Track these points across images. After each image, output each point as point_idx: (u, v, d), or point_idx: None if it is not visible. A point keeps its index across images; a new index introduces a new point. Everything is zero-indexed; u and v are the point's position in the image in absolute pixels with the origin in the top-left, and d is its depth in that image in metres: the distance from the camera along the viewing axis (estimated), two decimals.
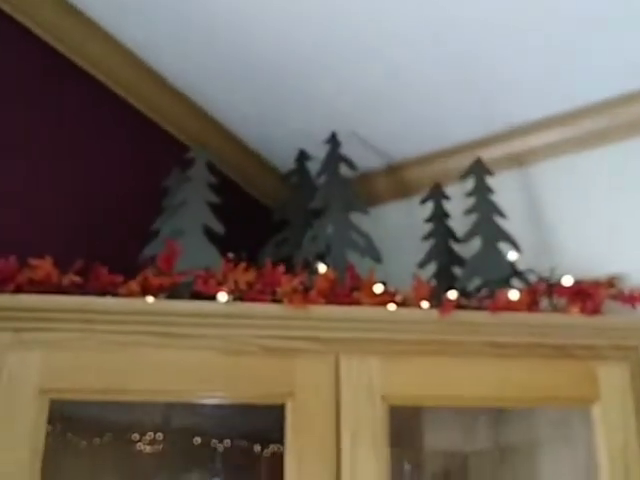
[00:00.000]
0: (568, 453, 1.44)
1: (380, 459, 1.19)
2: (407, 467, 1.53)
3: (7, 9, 1.38)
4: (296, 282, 1.23)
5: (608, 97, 1.64)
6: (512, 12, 1.41)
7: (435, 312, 1.28)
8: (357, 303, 1.30)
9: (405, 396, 1.25)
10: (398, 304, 1.33)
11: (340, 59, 1.58)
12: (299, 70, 1.63)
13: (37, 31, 1.43)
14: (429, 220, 1.70)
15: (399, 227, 1.93)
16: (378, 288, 1.37)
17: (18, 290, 1.15)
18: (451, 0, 1.39)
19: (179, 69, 1.64)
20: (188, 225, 1.40)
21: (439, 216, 1.71)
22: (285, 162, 1.90)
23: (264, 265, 1.47)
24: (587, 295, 1.40)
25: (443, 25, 1.46)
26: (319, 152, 1.76)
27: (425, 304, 1.33)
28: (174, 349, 1.20)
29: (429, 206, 1.75)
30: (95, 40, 1.51)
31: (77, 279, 1.19)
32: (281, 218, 1.80)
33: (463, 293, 1.44)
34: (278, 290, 1.23)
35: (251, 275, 1.24)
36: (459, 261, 1.65)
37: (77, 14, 1.47)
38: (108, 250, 1.45)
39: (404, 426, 1.45)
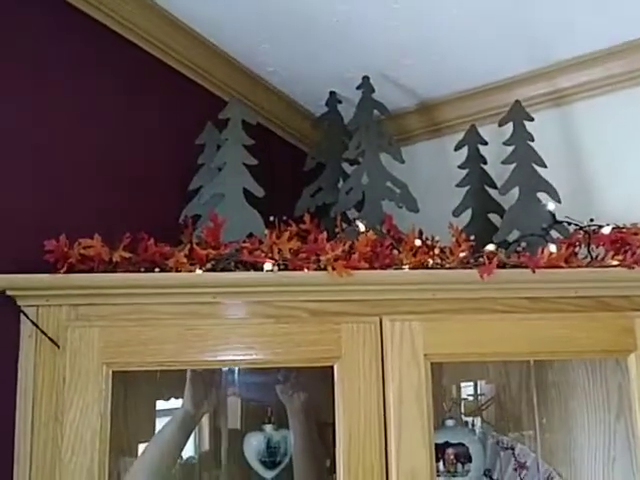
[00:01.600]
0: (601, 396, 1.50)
1: (424, 415, 1.25)
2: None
3: None
4: (338, 250, 1.25)
5: None
6: None
7: (475, 272, 1.30)
8: (398, 263, 1.33)
9: (447, 354, 1.30)
10: (437, 259, 1.35)
11: (368, 5, 1.52)
12: (330, 15, 1.57)
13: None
14: (464, 165, 1.69)
15: (433, 167, 1.92)
16: (417, 242, 1.40)
17: (71, 269, 1.19)
18: None
19: (209, 20, 1.59)
20: (228, 189, 1.41)
21: (475, 161, 1.68)
22: (319, 106, 1.87)
23: (302, 216, 1.51)
24: (626, 244, 1.41)
25: None
26: (352, 94, 1.73)
27: (463, 254, 1.36)
28: (222, 318, 1.25)
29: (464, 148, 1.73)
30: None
31: (126, 255, 1.22)
32: (314, 165, 1.80)
33: (501, 244, 1.46)
34: (322, 258, 1.25)
35: (295, 244, 1.26)
36: (496, 207, 1.64)
37: None
38: (148, 210, 1.49)
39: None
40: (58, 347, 1.18)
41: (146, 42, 1.56)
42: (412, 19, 1.57)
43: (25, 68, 1.32)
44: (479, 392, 1.71)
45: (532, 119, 1.57)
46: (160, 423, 1.44)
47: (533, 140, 1.54)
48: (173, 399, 1.49)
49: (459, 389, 1.73)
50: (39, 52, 1.34)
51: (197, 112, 1.65)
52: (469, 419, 1.69)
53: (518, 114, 1.57)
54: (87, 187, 1.40)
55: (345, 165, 1.77)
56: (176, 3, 1.53)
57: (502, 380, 1.68)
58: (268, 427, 1.54)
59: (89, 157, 1.42)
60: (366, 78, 1.70)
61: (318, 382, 1.27)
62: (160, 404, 1.49)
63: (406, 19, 1.57)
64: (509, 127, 1.57)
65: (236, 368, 1.49)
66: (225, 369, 1.48)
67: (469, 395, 1.73)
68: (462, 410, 1.71)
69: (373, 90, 1.68)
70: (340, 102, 1.83)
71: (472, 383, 1.71)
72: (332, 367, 1.24)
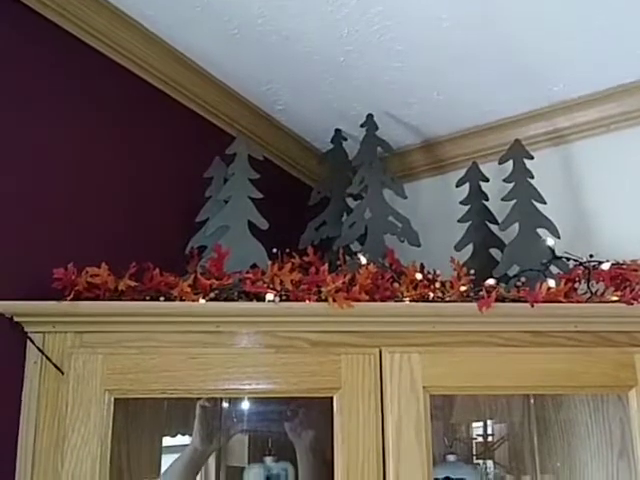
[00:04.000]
0: (603, 433, 1.50)
1: (423, 447, 1.25)
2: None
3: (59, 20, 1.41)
4: (339, 282, 1.27)
5: None
6: None
7: (474, 305, 1.32)
8: (398, 296, 1.35)
9: (446, 387, 1.31)
10: (437, 293, 1.37)
11: (376, 43, 1.57)
12: (336, 55, 1.63)
13: (83, 35, 1.46)
14: (466, 201, 1.72)
15: (436, 202, 1.95)
16: (418, 275, 1.43)
17: (77, 296, 1.22)
18: None
19: (218, 59, 1.65)
20: (233, 221, 1.44)
21: (476, 197, 1.72)
22: (324, 142, 1.92)
23: (305, 249, 1.54)
24: (625, 280, 1.43)
25: (483, 5, 1.43)
26: (357, 131, 1.78)
27: (464, 287, 1.38)
28: (225, 347, 1.27)
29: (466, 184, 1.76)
30: (136, 36, 1.53)
31: (132, 283, 1.25)
32: (319, 200, 1.83)
33: (501, 279, 1.48)
34: (323, 289, 1.28)
35: (296, 275, 1.29)
36: (497, 242, 1.67)
37: (123, 15, 1.50)
38: (156, 240, 1.52)
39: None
40: (62, 373, 1.20)
41: (157, 79, 1.62)
42: (415, 60, 1.63)
43: (32, 99, 1.37)
44: (489, 432, 1.71)
45: (532, 157, 1.60)
46: (165, 459, 1.45)
47: (533, 177, 1.57)
48: (180, 435, 1.51)
49: (469, 428, 1.73)
50: (44, 83, 1.39)
51: (206, 147, 1.70)
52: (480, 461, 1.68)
53: (518, 152, 1.61)
54: (96, 217, 1.44)
55: (349, 200, 1.81)
56: (187, 41, 1.59)
57: (515, 418, 1.67)
58: (268, 459, 1.54)
59: (98, 188, 1.46)
60: (370, 116, 1.75)
61: (327, 419, 1.27)
62: (166, 440, 1.51)
63: (409, 60, 1.63)
64: (510, 164, 1.61)
65: (243, 402, 1.51)
66: (230, 404, 1.50)
67: (478, 435, 1.73)
68: (474, 452, 1.70)
69: (377, 128, 1.73)
70: (345, 139, 1.88)
71: (482, 423, 1.71)
72: (331, 398, 1.26)
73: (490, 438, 1.70)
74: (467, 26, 1.50)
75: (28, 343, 1.21)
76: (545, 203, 1.55)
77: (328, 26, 1.52)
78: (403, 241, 1.62)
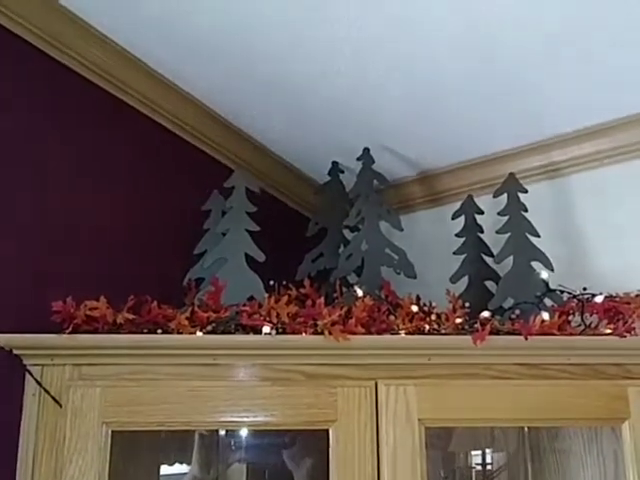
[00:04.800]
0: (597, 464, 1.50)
1: (419, 479, 1.26)
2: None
3: (57, 55, 1.44)
4: (335, 315, 1.29)
5: None
6: (548, 28, 1.42)
7: (469, 338, 1.33)
8: (394, 328, 1.37)
9: (441, 419, 1.32)
10: (433, 325, 1.39)
11: (373, 77, 1.61)
12: (332, 89, 1.66)
13: (82, 70, 1.49)
14: (461, 234, 1.74)
15: (432, 234, 1.98)
16: (414, 307, 1.44)
17: (76, 329, 1.23)
18: (489, 19, 1.41)
19: (216, 93, 1.69)
20: (230, 254, 1.47)
21: (471, 230, 1.74)
22: (322, 174, 1.96)
23: (302, 280, 1.56)
24: (619, 313, 1.45)
25: (481, 42, 1.47)
26: (354, 163, 1.81)
27: (459, 320, 1.39)
28: (222, 379, 1.28)
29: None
30: (135, 71, 1.57)
31: (130, 316, 1.27)
32: (316, 231, 1.86)
33: (496, 311, 1.50)
34: (319, 322, 1.29)
35: (293, 308, 1.31)
36: (492, 275, 1.69)
37: (123, 52, 1.53)
38: (155, 272, 1.54)
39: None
40: (60, 406, 1.21)
41: (156, 113, 1.65)
42: (412, 94, 1.66)
43: (32, 133, 1.40)
44: (487, 461, 1.70)
45: (526, 191, 1.63)
46: None
47: (527, 211, 1.60)
48: (178, 464, 1.51)
49: (467, 456, 1.73)
50: (40, 117, 1.42)
51: (204, 180, 1.73)
52: None
53: (512, 186, 1.63)
54: (95, 249, 1.46)
55: (346, 231, 1.83)
56: (185, 76, 1.63)
57: (510, 448, 1.67)
58: None
59: (97, 220, 1.49)
60: (366, 150, 1.78)
61: (325, 447, 1.28)
62: (164, 469, 1.51)
63: (406, 94, 1.66)
64: (504, 198, 1.64)
65: (241, 431, 1.51)
66: (228, 433, 1.50)
67: (477, 464, 1.73)
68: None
69: (373, 161, 1.76)
70: (342, 171, 1.91)
71: (480, 451, 1.71)
72: (327, 430, 1.27)
73: (489, 467, 1.70)
74: (463, 61, 1.53)
75: (27, 375, 1.23)
76: (539, 236, 1.57)
77: (327, 61, 1.55)
78: (399, 273, 1.64)
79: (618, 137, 1.70)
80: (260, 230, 1.53)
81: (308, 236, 1.84)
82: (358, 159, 1.78)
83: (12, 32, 1.35)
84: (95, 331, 1.25)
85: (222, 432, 1.49)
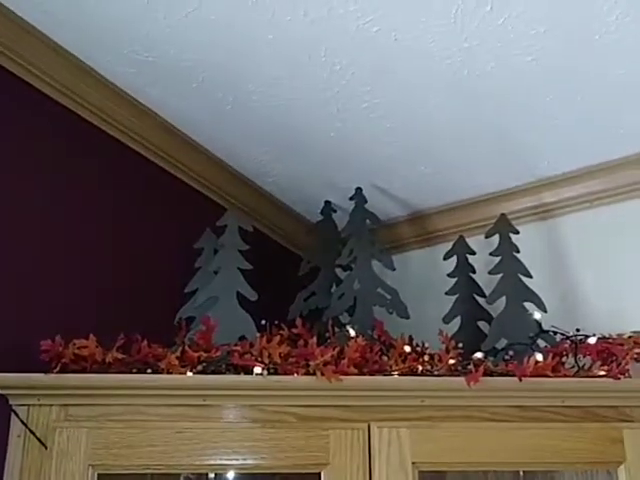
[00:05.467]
0: None
1: None
2: None
3: (50, 92, 1.45)
4: (328, 355, 1.27)
5: (638, 152, 1.68)
6: (538, 71, 1.45)
7: (463, 380, 1.32)
8: (387, 369, 1.35)
9: (435, 463, 1.29)
10: (426, 366, 1.38)
11: (365, 120, 1.63)
12: (326, 130, 1.68)
13: (74, 106, 1.51)
14: (453, 274, 1.74)
15: (424, 274, 1.98)
16: (406, 348, 1.43)
17: (64, 369, 1.21)
18: (476, 60, 1.43)
19: (210, 132, 1.71)
20: (222, 293, 1.45)
21: (463, 270, 1.74)
22: (315, 214, 1.96)
23: (294, 319, 1.55)
24: (612, 355, 1.44)
25: (470, 85, 1.50)
26: (346, 202, 1.82)
27: (452, 361, 1.38)
28: (211, 421, 1.26)
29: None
30: (129, 112, 1.58)
31: (119, 355, 1.25)
32: (308, 270, 1.85)
33: (489, 352, 1.49)
34: (311, 363, 1.28)
35: (285, 348, 1.29)
36: (484, 315, 1.68)
37: (117, 90, 1.55)
38: (145, 310, 1.53)
39: None
40: (46, 448, 1.18)
41: (149, 151, 1.66)
42: (403, 136, 1.68)
43: (28, 176, 1.40)
44: None
45: (517, 232, 1.64)
46: None
47: (519, 251, 1.61)
48: None
49: None
50: (31, 152, 1.42)
51: (197, 218, 1.73)
52: None
53: (504, 227, 1.64)
54: (85, 288, 1.45)
55: (338, 270, 1.83)
56: (180, 114, 1.64)
57: None
58: None
59: (87, 259, 1.48)
60: (359, 189, 1.79)
61: None
62: None
63: (398, 136, 1.68)
64: (496, 238, 1.64)
65: (231, 475, 1.47)
66: (217, 476, 1.46)
67: None
68: None
69: (365, 201, 1.77)
70: (335, 211, 1.92)
71: None
72: (319, 474, 1.24)
73: None
74: (454, 105, 1.57)
75: (12, 416, 1.20)
76: (531, 277, 1.58)
77: (319, 103, 1.57)
78: (392, 313, 1.63)
79: (608, 179, 1.72)
80: (252, 269, 1.52)
81: (300, 275, 1.83)
82: (350, 199, 1.79)
83: None
84: (83, 370, 1.23)
85: (211, 475, 1.46)
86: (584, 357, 1.44)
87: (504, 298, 1.56)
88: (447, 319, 1.67)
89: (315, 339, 1.33)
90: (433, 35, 1.37)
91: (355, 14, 1.32)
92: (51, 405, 1.21)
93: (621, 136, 1.63)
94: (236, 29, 1.37)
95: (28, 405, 1.21)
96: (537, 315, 1.52)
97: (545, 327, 1.51)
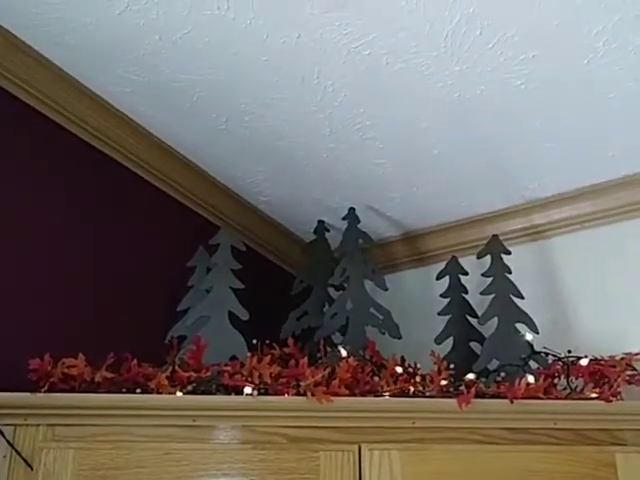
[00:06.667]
0: None
1: None
2: None
3: (55, 117, 1.47)
4: (319, 376, 1.27)
5: (627, 175, 1.70)
6: (527, 95, 1.47)
7: (454, 401, 1.31)
8: (378, 390, 1.34)
9: None
10: (418, 387, 1.37)
11: (358, 141, 1.64)
12: (319, 151, 1.69)
13: (70, 125, 1.52)
14: (446, 294, 1.74)
15: (417, 294, 1.98)
16: (398, 369, 1.43)
17: (52, 388, 1.20)
18: (467, 83, 1.45)
19: (205, 152, 1.72)
20: (214, 312, 1.45)
21: (456, 290, 1.74)
22: (308, 233, 1.97)
23: (286, 339, 1.54)
24: (604, 377, 1.44)
25: (461, 108, 1.52)
26: (340, 222, 1.83)
27: (444, 382, 1.38)
28: (201, 442, 1.24)
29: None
30: (124, 131, 1.59)
31: (109, 375, 1.24)
32: (301, 289, 1.85)
33: (481, 373, 1.49)
34: (302, 383, 1.27)
35: (275, 368, 1.29)
36: (476, 336, 1.68)
37: (113, 110, 1.56)
38: (136, 328, 1.52)
39: None
40: (32, 469, 1.16)
41: (144, 170, 1.68)
42: (395, 157, 1.70)
43: (23, 194, 1.40)
44: None
45: (509, 252, 1.64)
46: None
47: (510, 272, 1.61)
48: None
49: None
50: (29, 171, 1.43)
51: (190, 236, 1.73)
52: None
53: (495, 248, 1.65)
54: (77, 305, 1.45)
55: (331, 290, 1.83)
56: (174, 134, 1.65)
57: None
58: None
59: (79, 276, 1.47)
60: (352, 209, 1.80)
61: None
62: None
63: (390, 157, 1.69)
64: (488, 259, 1.65)
65: None
66: None
67: None
68: None
69: (358, 221, 1.77)
70: (328, 230, 1.92)
71: None
72: None
73: None
74: (445, 127, 1.58)
75: None
76: (523, 298, 1.58)
77: (312, 124, 1.59)
78: (384, 333, 1.63)
79: (598, 201, 1.74)
80: (245, 287, 1.52)
81: (293, 294, 1.83)
82: (344, 218, 1.79)
83: None
84: (72, 390, 1.22)
85: None
86: (576, 379, 1.44)
87: (496, 319, 1.56)
88: (439, 340, 1.67)
89: (306, 359, 1.32)
90: (424, 59, 1.39)
91: (348, 37, 1.34)
92: (38, 425, 1.19)
93: (610, 158, 1.65)
94: (230, 51, 1.39)
95: (15, 425, 1.19)
96: (529, 336, 1.52)
97: (537, 348, 1.51)
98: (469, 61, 1.39)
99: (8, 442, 1.17)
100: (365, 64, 1.40)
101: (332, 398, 1.26)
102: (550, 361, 1.49)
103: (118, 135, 1.58)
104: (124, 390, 1.25)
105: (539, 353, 1.51)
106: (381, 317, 1.64)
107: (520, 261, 1.70)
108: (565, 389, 1.42)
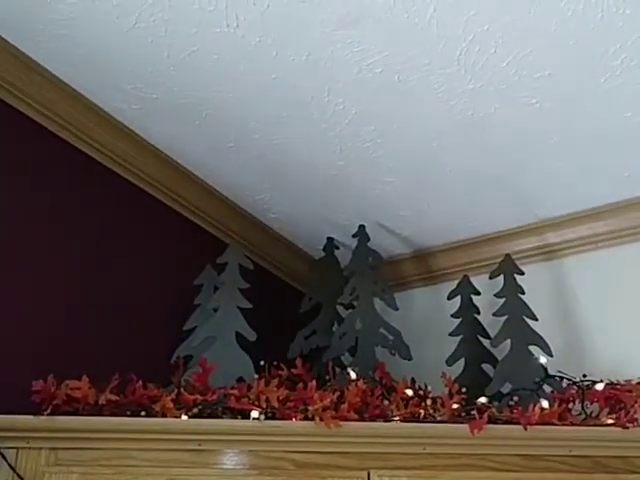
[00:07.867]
0: None
1: None
2: None
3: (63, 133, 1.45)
4: (327, 400, 1.24)
5: None
6: (542, 113, 1.45)
7: (466, 427, 1.28)
8: (388, 414, 1.31)
9: None
10: (429, 410, 1.34)
11: (367, 158, 1.62)
12: (328, 169, 1.67)
13: (78, 143, 1.51)
14: (457, 314, 1.71)
15: (428, 313, 1.94)
16: (408, 392, 1.39)
17: (55, 410, 1.18)
18: (481, 101, 1.43)
19: (213, 169, 1.70)
20: (221, 332, 1.43)
21: (468, 310, 1.71)
22: (317, 250, 1.95)
23: (294, 359, 1.51)
24: (620, 402, 1.40)
25: (475, 125, 1.49)
26: (349, 240, 1.81)
27: (455, 406, 1.34)
28: (206, 467, 1.21)
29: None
30: (132, 148, 1.58)
31: (113, 397, 1.21)
32: (310, 307, 1.82)
33: (494, 396, 1.45)
34: (310, 407, 1.24)
35: (283, 392, 1.26)
36: (489, 358, 1.64)
37: (122, 127, 1.55)
38: (142, 347, 1.50)
39: None
40: None
41: (152, 187, 1.67)
42: (406, 175, 1.68)
43: (29, 210, 1.39)
44: None
45: (522, 273, 1.61)
46: None
47: (524, 293, 1.58)
48: None
49: None
50: (38, 189, 1.42)
51: (198, 253, 1.71)
52: None
53: (508, 267, 1.62)
54: (82, 325, 1.43)
55: (340, 308, 1.80)
56: (183, 152, 1.64)
57: None
58: None
59: (83, 295, 1.46)
60: (362, 227, 1.77)
61: None
62: None
63: (400, 175, 1.67)
64: (500, 279, 1.62)
65: None
66: None
67: None
68: None
69: (368, 239, 1.75)
70: (337, 247, 1.90)
71: None
72: None
73: None
74: (457, 144, 1.56)
75: (0, 459, 1.16)
76: (536, 319, 1.54)
77: (322, 142, 1.57)
78: (394, 354, 1.60)
79: (613, 221, 1.71)
80: (252, 307, 1.50)
81: (302, 312, 1.80)
82: (353, 236, 1.77)
83: None
84: (75, 412, 1.20)
85: None
86: (591, 404, 1.40)
87: (509, 341, 1.53)
88: (451, 361, 1.64)
89: (314, 382, 1.29)
90: (437, 76, 1.37)
91: (359, 55, 1.33)
92: (40, 448, 1.17)
93: (626, 179, 1.62)
94: (239, 68, 1.37)
95: (17, 448, 1.17)
96: (543, 359, 1.48)
97: (551, 372, 1.48)
98: (483, 79, 1.37)
99: (10, 466, 1.15)
100: (377, 81, 1.38)
101: (341, 423, 1.23)
102: (565, 385, 1.45)
103: (125, 152, 1.57)
104: (128, 413, 1.22)
105: (553, 377, 1.47)
106: (391, 337, 1.61)
107: (533, 281, 1.67)
108: (580, 414, 1.38)
